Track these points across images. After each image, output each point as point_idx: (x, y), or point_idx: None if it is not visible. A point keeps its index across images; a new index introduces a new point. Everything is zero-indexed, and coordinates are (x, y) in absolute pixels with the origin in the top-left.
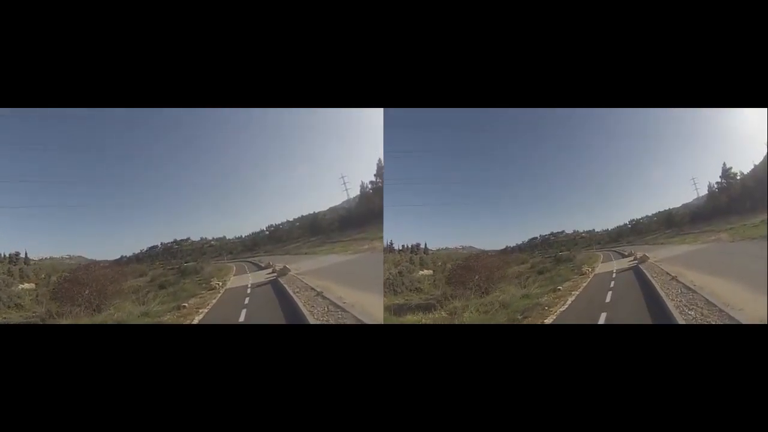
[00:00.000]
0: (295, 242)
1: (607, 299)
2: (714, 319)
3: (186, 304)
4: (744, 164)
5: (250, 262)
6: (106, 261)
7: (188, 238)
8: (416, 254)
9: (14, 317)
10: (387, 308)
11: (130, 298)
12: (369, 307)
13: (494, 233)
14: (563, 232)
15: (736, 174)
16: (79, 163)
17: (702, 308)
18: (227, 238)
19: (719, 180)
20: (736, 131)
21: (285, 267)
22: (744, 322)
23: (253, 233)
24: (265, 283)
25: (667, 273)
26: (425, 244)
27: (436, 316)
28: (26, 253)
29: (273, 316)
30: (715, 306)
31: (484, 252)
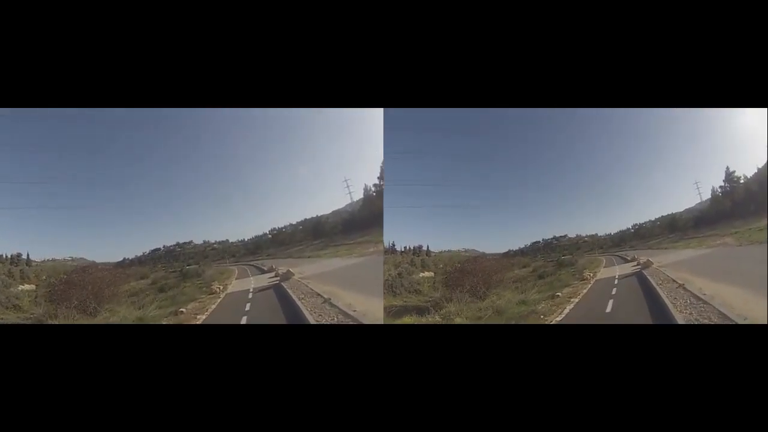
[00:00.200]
0: (298, 245)
1: (608, 308)
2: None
3: (184, 309)
4: (747, 167)
5: (253, 265)
6: (109, 263)
7: (191, 241)
8: (418, 256)
9: (12, 318)
10: (384, 309)
11: (127, 301)
12: (380, 315)
13: (497, 236)
14: (566, 235)
15: (739, 177)
16: (81, 164)
17: (716, 323)
18: (230, 241)
19: (723, 184)
20: (739, 134)
21: (288, 271)
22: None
23: (255, 236)
24: (267, 288)
25: (674, 280)
26: (427, 246)
27: (429, 320)
28: (28, 255)
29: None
30: (730, 320)
31: (482, 255)
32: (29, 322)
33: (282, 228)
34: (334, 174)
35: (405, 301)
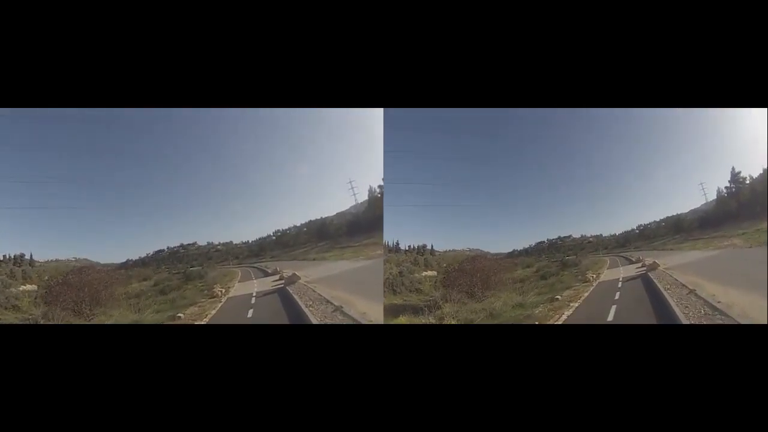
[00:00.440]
0: (303, 247)
1: (610, 317)
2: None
3: (182, 315)
4: (753, 168)
5: (256, 267)
6: (113, 264)
7: (195, 242)
8: (422, 255)
9: (10, 318)
10: (384, 307)
11: (125, 304)
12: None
13: (503, 236)
14: (571, 236)
15: (745, 178)
16: (85, 165)
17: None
18: (234, 242)
19: (728, 184)
20: (745, 135)
21: (294, 274)
22: None
23: (259, 238)
24: (271, 292)
25: (683, 284)
26: (431, 245)
27: (422, 321)
28: (31, 255)
29: None
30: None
31: (482, 254)
32: (28, 322)
33: (286, 230)
34: (338, 175)
35: (405, 300)
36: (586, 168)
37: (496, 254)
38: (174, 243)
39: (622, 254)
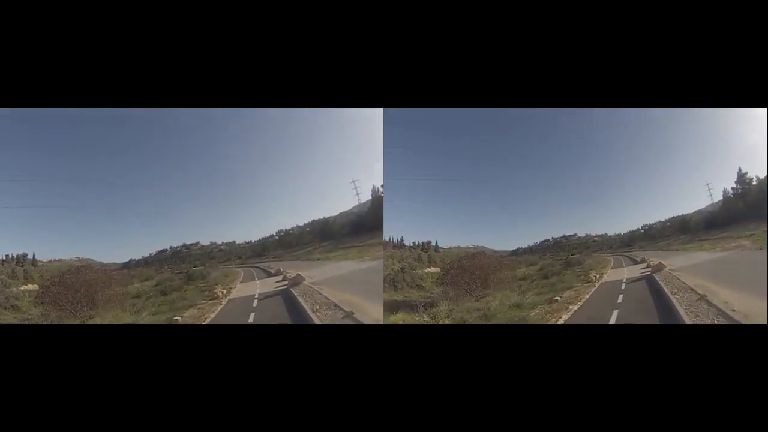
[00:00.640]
0: (306, 247)
1: (611, 322)
2: None
3: (179, 318)
4: (760, 169)
5: (259, 267)
6: (116, 264)
7: (198, 242)
8: (426, 252)
9: (9, 319)
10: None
11: (121, 306)
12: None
13: (508, 234)
14: (576, 235)
15: (751, 179)
16: (88, 164)
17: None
18: (237, 242)
19: (734, 185)
20: (752, 135)
21: (298, 275)
22: None
23: (262, 238)
24: (275, 294)
25: (692, 289)
26: (436, 242)
27: (417, 318)
28: (34, 255)
29: None
30: None
31: (482, 252)
32: (27, 322)
33: (289, 229)
34: (340, 175)
35: (406, 296)
36: (591, 167)
37: (501, 252)
38: (177, 243)
39: (626, 254)
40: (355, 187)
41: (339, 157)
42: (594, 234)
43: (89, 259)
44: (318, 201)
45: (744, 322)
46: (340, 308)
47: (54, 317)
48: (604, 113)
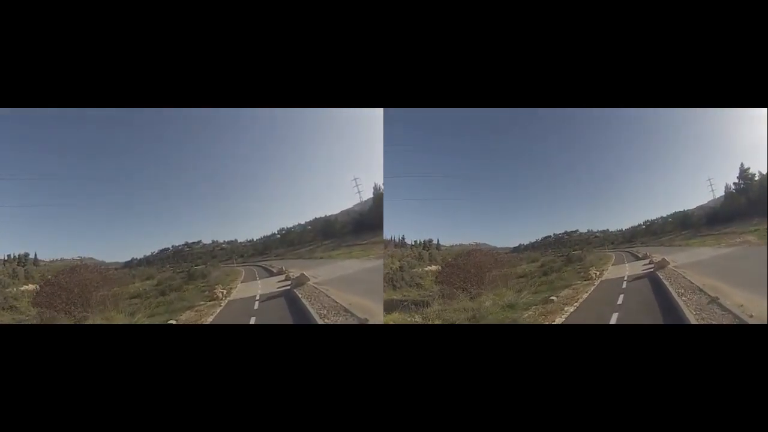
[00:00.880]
0: (308, 246)
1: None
2: None
3: (174, 322)
4: (763, 165)
5: (261, 266)
6: (118, 263)
7: (199, 241)
8: (427, 250)
9: (7, 319)
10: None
11: (117, 306)
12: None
13: (510, 231)
14: (577, 231)
15: (754, 174)
16: (90, 165)
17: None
18: (239, 241)
19: (737, 181)
20: (755, 132)
21: (302, 275)
22: None
23: (264, 236)
24: (277, 296)
25: (700, 289)
26: (437, 240)
27: (409, 319)
28: (35, 254)
29: None
30: None
31: (489, 249)
32: (26, 322)
33: (291, 228)
34: (342, 174)
35: (404, 295)
36: (593, 163)
37: (503, 249)
38: (179, 241)
39: (628, 249)
40: (357, 185)
41: (340, 156)
42: (596, 230)
43: (91, 258)
44: (320, 199)
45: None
46: (352, 313)
47: (47, 318)
48: (606, 112)
